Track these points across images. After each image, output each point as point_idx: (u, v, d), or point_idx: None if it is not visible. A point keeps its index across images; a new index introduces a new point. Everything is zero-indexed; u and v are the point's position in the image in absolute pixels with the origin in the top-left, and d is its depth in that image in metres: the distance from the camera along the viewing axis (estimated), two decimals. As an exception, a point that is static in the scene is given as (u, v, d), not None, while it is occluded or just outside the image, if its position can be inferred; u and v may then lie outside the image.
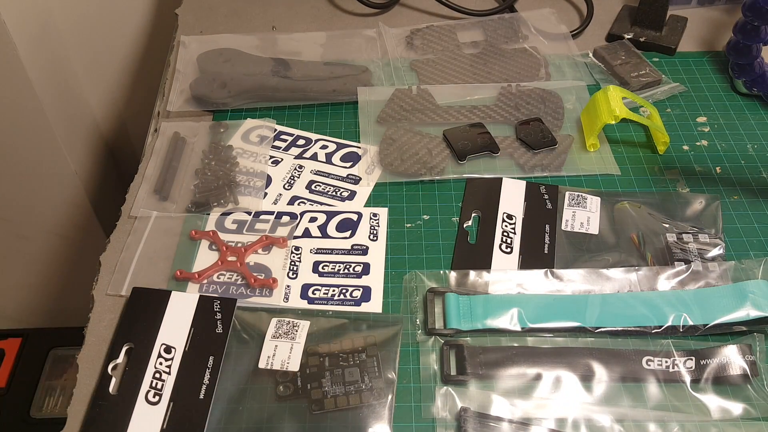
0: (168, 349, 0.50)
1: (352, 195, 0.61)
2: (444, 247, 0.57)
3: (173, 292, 0.53)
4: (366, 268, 0.55)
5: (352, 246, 0.57)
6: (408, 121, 0.67)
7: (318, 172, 0.63)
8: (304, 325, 0.51)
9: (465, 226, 0.59)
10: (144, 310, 0.52)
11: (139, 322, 0.51)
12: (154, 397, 0.47)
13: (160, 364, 0.49)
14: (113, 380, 0.49)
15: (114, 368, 0.49)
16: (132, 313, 0.52)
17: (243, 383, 0.49)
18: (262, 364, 0.49)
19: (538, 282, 0.54)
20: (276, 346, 0.50)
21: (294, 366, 0.49)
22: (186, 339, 0.50)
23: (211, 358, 0.49)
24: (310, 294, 0.54)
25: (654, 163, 0.64)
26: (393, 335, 0.51)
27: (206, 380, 0.48)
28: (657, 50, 0.75)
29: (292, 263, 0.56)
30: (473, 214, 0.59)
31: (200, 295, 0.53)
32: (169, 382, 0.48)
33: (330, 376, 0.48)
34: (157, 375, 0.49)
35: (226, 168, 0.63)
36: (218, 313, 0.52)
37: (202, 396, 0.48)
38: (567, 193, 0.60)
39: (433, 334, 0.51)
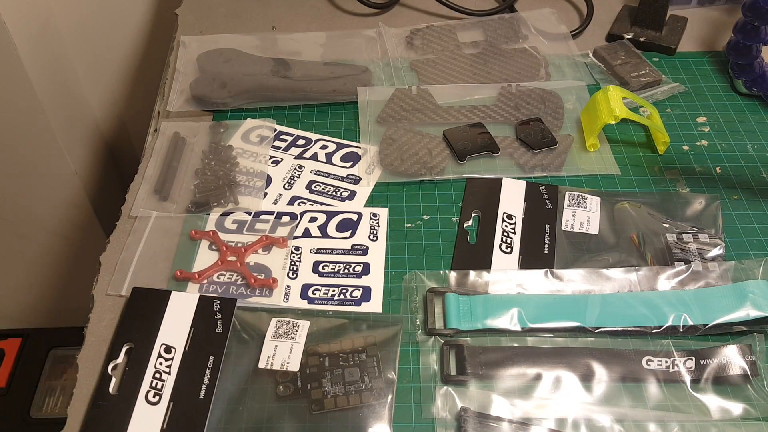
0: (168, 349, 0.50)
1: (352, 195, 0.61)
2: (444, 247, 0.57)
3: (173, 292, 0.53)
4: (366, 268, 0.55)
5: (352, 246, 0.57)
6: (408, 121, 0.67)
7: (318, 172, 0.63)
8: (304, 325, 0.51)
9: (465, 226, 0.59)
10: (144, 310, 0.52)
11: (139, 322, 0.51)
12: (154, 397, 0.47)
13: (160, 364, 0.49)
14: (113, 380, 0.49)
15: (114, 368, 0.49)
16: (132, 313, 0.52)
17: (243, 383, 0.49)
18: (262, 364, 0.49)
19: (538, 282, 0.54)
20: (276, 346, 0.50)
21: (294, 366, 0.49)
22: (186, 339, 0.50)
23: (211, 358, 0.49)
24: (310, 294, 0.54)
25: (654, 163, 0.64)
26: (393, 335, 0.51)
27: (206, 380, 0.48)
28: (657, 50, 0.75)
29: (292, 263, 0.56)
30: (473, 214, 0.59)
31: (200, 295, 0.53)
32: (169, 382, 0.48)
33: (330, 376, 0.48)
34: (157, 375, 0.48)
35: (226, 168, 0.63)
36: (218, 313, 0.52)
37: (202, 396, 0.48)
38: (567, 193, 0.60)
39: (433, 334, 0.51)
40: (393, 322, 0.52)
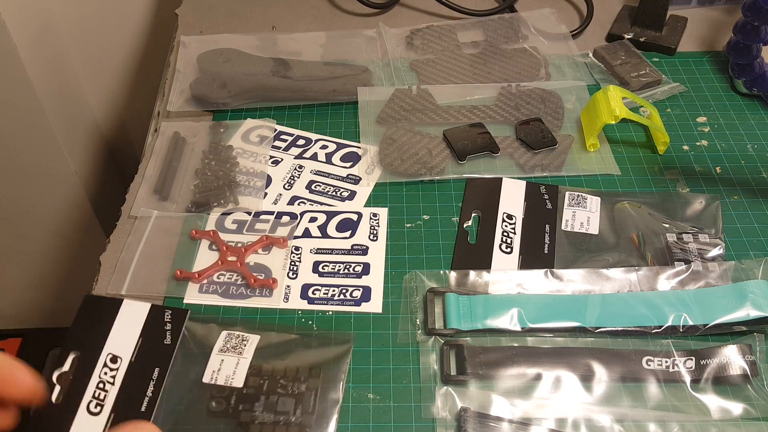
0: (114, 359, 0.48)
1: (352, 195, 0.61)
2: (444, 247, 0.57)
3: (125, 300, 0.51)
4: (366, 268, 0.55)
5: (352, 246, 0.57)
6: (408, 121, 0.67)
7: (318, 172, 0.63)
8: (253, 340, 0.50)
9: (465, 226, 0.59)
10: (94, 319, 0.51)
11: (89, 331, 0.50)
12: (96, 407, 0.46)
13: (105, 374, 0.48)
14: (57, 388, 0.47)
15: (59, 377, 0.48)
16: (82, 321, 0.51)
17: (186, 396, 0.47)
18: (206, 379, 0.48)
19: (538, 282, 0.54)
20: (222, 360, 0.49)
21: (239, 382, 0.47)
22: (133, 349, 0.49)
23: (156, 369, 0.48)
24: (310, 294, 0.54)
25: (654, 163, 0.64)
26: (342, 354, 0.50)
27: (149, 392, 0.47)
28: (657, 50, 0.75)
29: (292, 263, 0.56)
30: (473, 214, 0.59)
31: (152, 305, 0.51)
32: (112, 392, 0.47)
33: (264, 400, 0.47)
34: (101, 385, 0.47)
35: (226, 168, 0.63)
36: (168, 324, 0.50)
37: (143, 408, 0.46)
38: (567, 193, 0.60)
39: (433, 334, 0.51)
40: (343, 341, 0.50)
